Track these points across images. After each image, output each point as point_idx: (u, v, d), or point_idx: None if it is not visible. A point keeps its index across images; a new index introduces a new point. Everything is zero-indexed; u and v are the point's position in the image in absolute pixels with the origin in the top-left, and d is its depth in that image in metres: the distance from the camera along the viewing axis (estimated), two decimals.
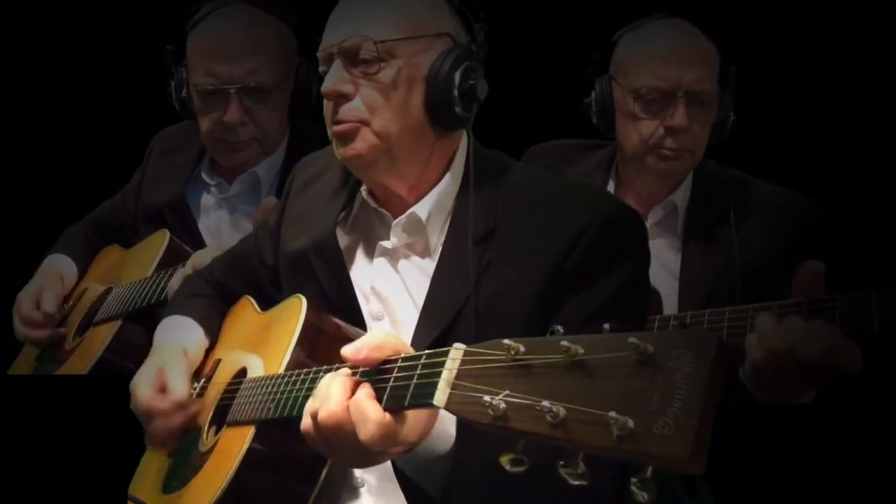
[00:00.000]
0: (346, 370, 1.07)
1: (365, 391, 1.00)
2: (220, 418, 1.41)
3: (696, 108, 1.75)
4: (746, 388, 1.45)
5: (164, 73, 1.96)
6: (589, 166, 1.97)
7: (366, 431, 0.98)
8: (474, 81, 1.29)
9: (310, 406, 1.05)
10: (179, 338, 1.55)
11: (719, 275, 1.74)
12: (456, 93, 1.28)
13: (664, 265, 1.78)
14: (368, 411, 0.98)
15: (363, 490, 1.33)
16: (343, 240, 1.43)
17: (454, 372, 0.87)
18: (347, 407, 1.00)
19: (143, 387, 1.43)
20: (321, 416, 1.02)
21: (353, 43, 1.28)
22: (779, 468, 1.74)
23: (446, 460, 1.09)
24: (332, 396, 1.02)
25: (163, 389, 1.43)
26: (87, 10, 2.51)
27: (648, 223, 1.82)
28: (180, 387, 1.44)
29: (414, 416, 1.00)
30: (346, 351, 1.03)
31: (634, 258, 1.27)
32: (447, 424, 1.08)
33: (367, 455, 1.02)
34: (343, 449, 1.03)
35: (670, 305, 1.74)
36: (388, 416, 0.98)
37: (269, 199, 1.87)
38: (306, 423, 1.05)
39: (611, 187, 1.92)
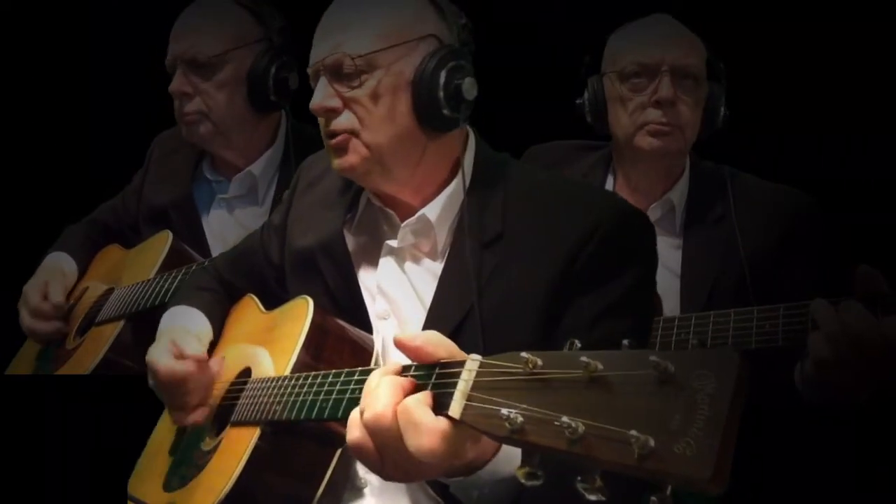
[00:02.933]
0: (397, 366, 1.00)
1: (418, 396, 0.92)
2: (223, 417, 1.41)
3: (682, 82, 1.77)
4: (758, 391, 1.46)
5: (166, 75, 1.99)
6: (587, 165, 1.98)
7: (415, 440, 0.90)
8: (460, 81, 1.29)
9: (356, 412, 0.99)
10: (187, 324, 1.55)
11: (720, 271, 1.75)
12: (442, 94, 1.28)
13: (664, 263, 1.76)
14: (419, 418, 0.90)
15: (366, 490, 1.33)
16: (350, 239, 1.43)
17: (470, 383, 0.87)
18: (396, 410, 0.93)
19: (161, 358, 1.42)
20: (366, 416, 0.95)
21: (333, 60, 1.29)
22: (781, 468, 1.76)
23: (511, 482, 1.03)
24: (380, 397, 0.94)
25: (180, 356, 1.43)
26: (86, 10, 2.50)
27: None
28: (196, 349, 1.44)
29: (474, 433, 0.90)
30: (401, 336, 0.98)
31: (643, 261, 1.27)
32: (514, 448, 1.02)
33: (418, 466, 0.93)
34: (392, 456, 0.95)
35: (672, 303, 1.75)
36: (444, 423, 0.90)
37: None
38: (352, 432, 0.98)
39: (609, 184, 1.93)
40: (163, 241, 2.01)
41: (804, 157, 2.09)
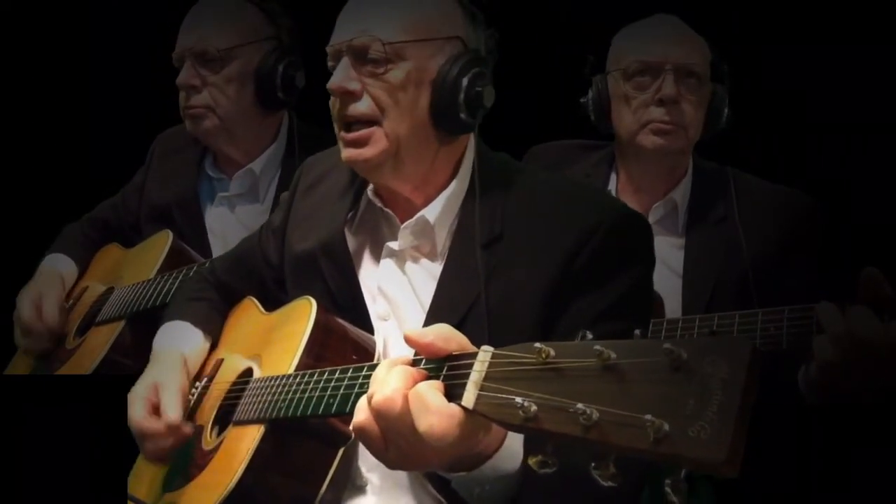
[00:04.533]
0: (408, 357, 1.00)
1: (430, 382, 0.93)
2: (224, 418, 1.41)
3: (685, 81, 1.79)
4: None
5: (167, 74, 1.99)
6: (590, 165, 2.00)
7: (426, 421, 0.88)
8: (481, 88, 1.30)
9: (363, 397, 0.99)
10: (178, 344, 1.54)
11: (722, 271, 1.77)
12: (462, 98, 1.29)
13: (666, 263, 1.79)
14: (430, 399, 0.89)
15: (368, 489, 1.33)
16: (350, 240, 1.43)
17: (483, 374, 0.88)
18: (405, 394, 0.92)
19: (136, 405, 1.43)
20: (375, 399, 0.94)
21: (361, 42, 1.28)
22: (781, 467, 1.77)
23: (512, 479, 1.04)
24: (390, 382, 0.94)
25: (156, 410, 1.42)
26: (86, 10, 2.50)
27: (649, 221, 1.85)
28: (173, 409, 1.41)
29: (483, 419, 0.89)
30: (411, 333, 0.97)
31: (641, 262, 1.29)
32: (516, 442, 1.04)
33: (424, 451, 0.93)
34: (398, 441, 0.95)
35: (673, 303, 1.77)
36: (454, 407, 0.89)
37: None
38: (359, 416, 0.98)
39: (612, 182, 1.95)
40: (163, 241, 2.01)
41: (806, 157, 2.11)
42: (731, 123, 1.86)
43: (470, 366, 0.90)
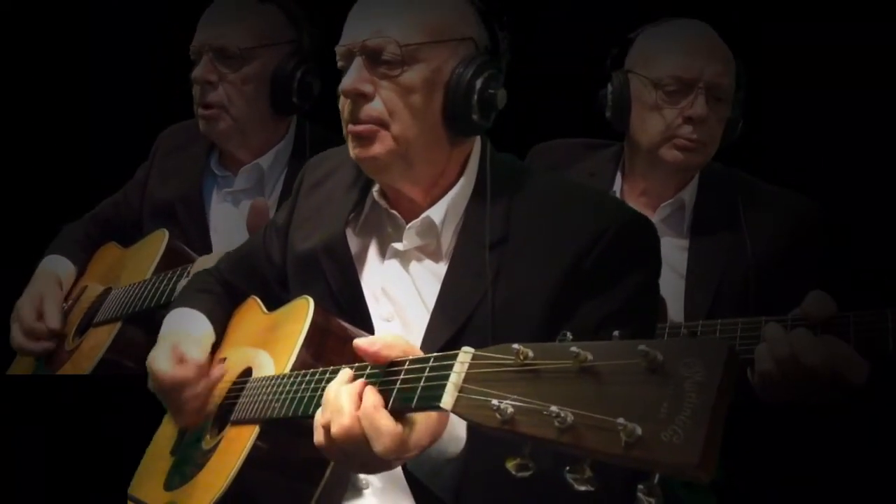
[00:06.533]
0: (349, 372, 1.08)
1: (372, 401, 1.01)
2: (224, 417, 1.41)
3: (714, 103, 1.77)
4: (750, 389, 1.47)
5: (167, 74, 1.99)
6: (595, 164, 1.98)
7: (380, 444, 0.99)
8: (494, 91, 1.28)
9: (320, 419, 1.06)
10: (188, 327, 1.54)
11: (725, 273, 1.75)
12: (475, 100, 1.27)
13: (669, 264, 1.76)
14: (381, 425, 0.99)
15: (367, 491, 1.33)
16: (353, 241, 1.42)
17: (462, 375, 0.88)
18: (359, 419, 1.01)
19: (161, 362, 1.43)
20: (334, 430, 1.03)
21: (376, 43, 1.26)
22: (780, 467, 1.76)
23: (457, 463, 1.09)
24: (344, 409, 1.02)
25: (181, 360, 1.43)
26: (86, 10, 2.52)
27: (655, 220, 1.82)
28: (198, 354, 1.44)
29: (425, 422, 1.01)
30: (361, 342, 1.04)
31: (647, 267, 1.27)
32: (458, 428, 1.09)
33: (382, 463, 1.03)
34: (359, 458, 1.04)
35: (676, 305, 1.75)
36: (399, 426, 0.99)
37: (258, 200, 1.89)
38: (319, 436, 1.06)
39: (618, 182, 1.93)
40: (159, 241, 1.99)
41: (808, 161, 2.09)
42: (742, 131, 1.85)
43: (450, 367, 0.89)
